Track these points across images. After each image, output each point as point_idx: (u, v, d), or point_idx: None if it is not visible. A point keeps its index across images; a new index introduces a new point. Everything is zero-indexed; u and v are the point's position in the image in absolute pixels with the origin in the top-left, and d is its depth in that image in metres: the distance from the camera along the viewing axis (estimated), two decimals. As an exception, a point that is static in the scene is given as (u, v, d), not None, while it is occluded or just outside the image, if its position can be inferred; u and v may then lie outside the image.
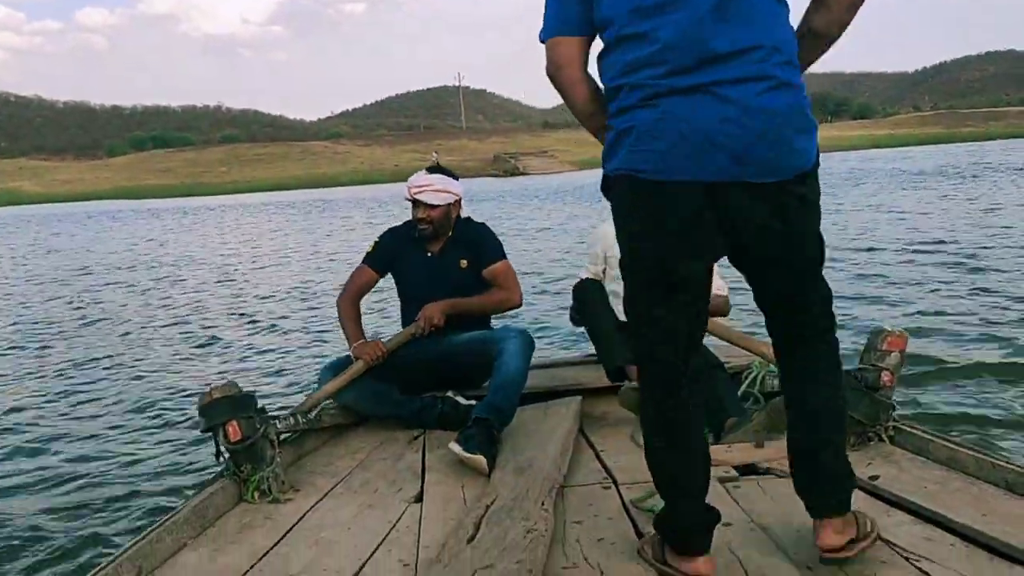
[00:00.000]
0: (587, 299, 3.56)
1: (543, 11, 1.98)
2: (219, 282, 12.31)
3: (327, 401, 3.39)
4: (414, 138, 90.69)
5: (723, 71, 1.73)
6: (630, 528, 2.34)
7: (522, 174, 57.54)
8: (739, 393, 3.26)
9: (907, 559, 1.99)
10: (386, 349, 3.42)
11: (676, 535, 1.99)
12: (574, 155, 70.27)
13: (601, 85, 1.94)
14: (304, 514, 2.70)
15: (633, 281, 1.95)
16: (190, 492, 2.86)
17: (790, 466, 2.04)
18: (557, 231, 16.25)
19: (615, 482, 2.72)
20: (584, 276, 3.73)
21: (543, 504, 2.40)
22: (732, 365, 3.45)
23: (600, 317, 3.51)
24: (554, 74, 1.97)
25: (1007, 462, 2.44)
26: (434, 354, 3.49)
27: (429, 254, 3.66)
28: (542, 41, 1.97)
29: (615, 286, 3.65)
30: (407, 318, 3.63)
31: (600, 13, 1.86)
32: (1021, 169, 25.44)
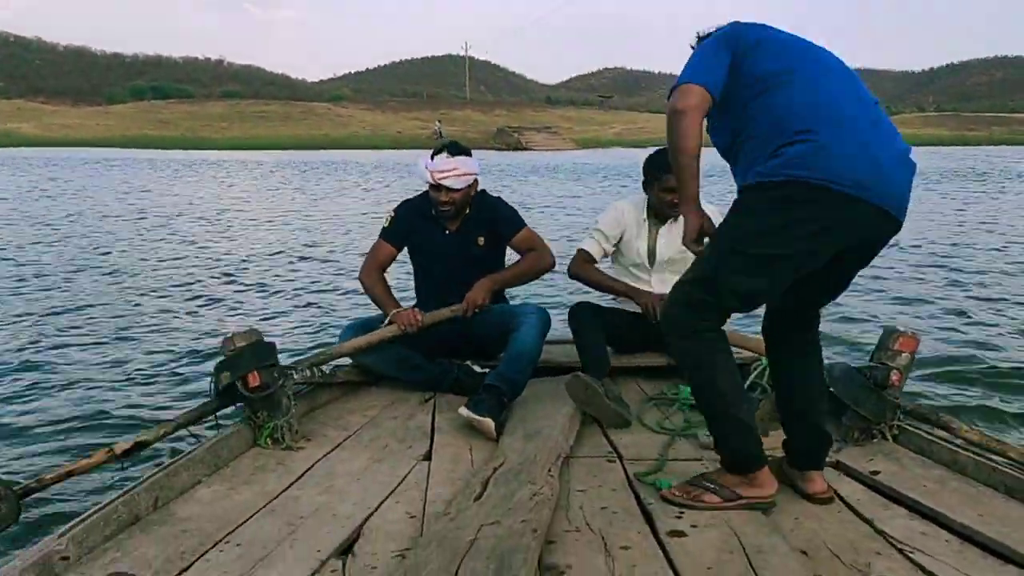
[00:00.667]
0: (581, 322, 3.50)
1: (693, 59, 2.26)
2: (222, 236, 12.31)
3: (342, 358, 3.46)
4: (417, 105, 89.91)
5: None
6: (633, 500, 2.42)
7: (525, 149, 57.21)
8: (747, 384, 3.34)
9: (901, 551, 2.07)
10: (422, 321, 3.44)
11: (755, 459, 2.31)
12: (576, 133, 70.00)
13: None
14: (315, 463, 2.79)
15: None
16: (204, 438, 2.95)
17: (783, 426, 2.43)
18: (570, 208, 16.28)
19: (620, 457, 2.80)
20: (583, 246, 3.76)
21: (549, 470, 2.49)
22: (740, 358, 3.52)
23: (593, 338, 3.44)
24: (682, 112, 2.16)
25: (1007, 467, 2.50)
26: (455, 325, 3.55)
27: (447, 232, 3.67)
28: (681, 83, 2.19)
29: (619, 257, 3.77)
30: (423, 292, 3.70)
31: None
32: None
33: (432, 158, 3.60)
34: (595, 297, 3.83)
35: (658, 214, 3.70)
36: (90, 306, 7.17)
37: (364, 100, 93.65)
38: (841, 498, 2.41)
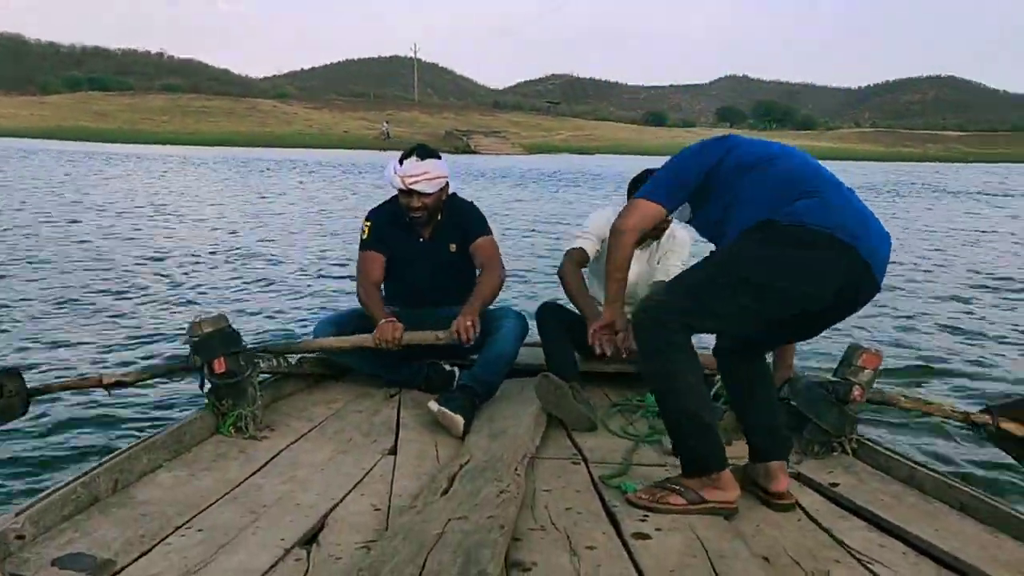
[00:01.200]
0: (547, 324, 3.50)
1: (660, 174, 2.60)
2: (168, 231, 12.10)
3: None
4: (364, 105, 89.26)
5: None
6: (598, 502, 2.43)
7: (473, 152, 57.15)
8: (712, 393, 3.38)
9: (859, 560, 2.12)
10: (402, 340, 3.25)
11: (716, 460, 2.37)
12: (524, 138, 70.17)
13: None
14: (278, 452, 2.78)
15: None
16: (165, 424, 2.96)
17: (746, 434, 2.54)
18: (516, 214, 16.35)
19: (585, 459, 2.82)
20: (575, 245, 3.67)
21: (516, 469, 2.49)
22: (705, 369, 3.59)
23: (558, 341, 3.46)
24: (629, 229, 2.59)
25: (962, 485, 2.57)
26: (432, 325, 3.46)
27: (421, 239, 3.60)
28: (639, 197, 2.59)
29: (596, 266, 3.74)
30: (394, 296, 3.60)
31: None
32: (958, 192, 26.51)
33: (401, 162, 3.47)
34: (564, 299, 3.81)
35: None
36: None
37: (310, 98, 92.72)
38: (801, 508, 2.45)
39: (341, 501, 2.39)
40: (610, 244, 2.58)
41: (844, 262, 2.26)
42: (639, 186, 3.56)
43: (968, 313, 7.62)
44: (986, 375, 5.46)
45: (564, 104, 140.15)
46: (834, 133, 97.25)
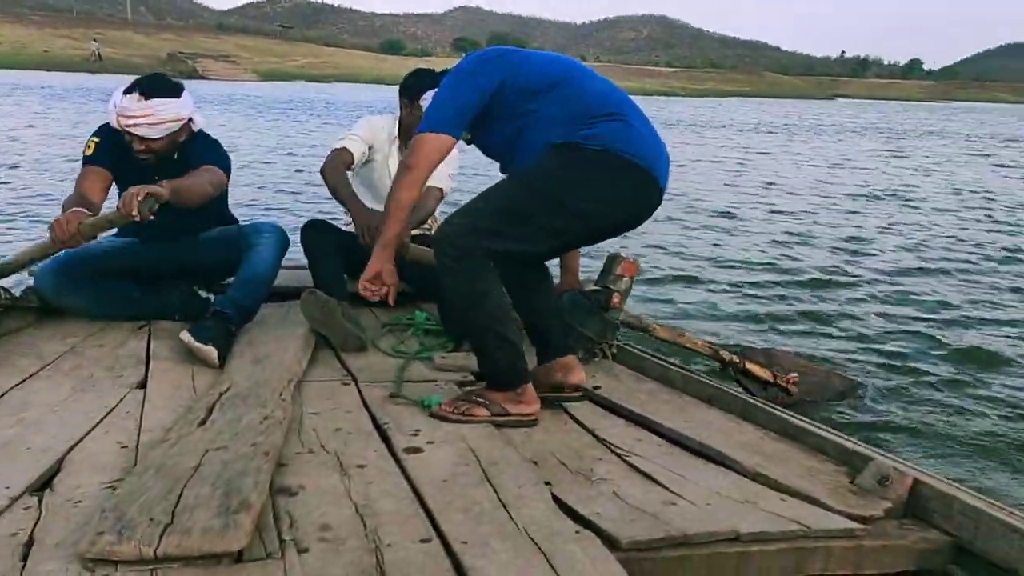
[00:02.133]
0: (314, 241, 3.35)
1: (438, 99, 2.40)
2: None
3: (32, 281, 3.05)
4: (68, 22, 79.75)
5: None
6: (368, 421, 2.39)
7: (201, 77, 53.23)
8: None
9: (619, 455, 2.25)
10: (81, 230, 2.74)
11: (520, 373, 2.40)
12: (257, 64, 66.59)
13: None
14: (3, 393, 2.46)
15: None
16: None
17: (539, 335, 2.60)
18: (249, 143, 15.48)
19: (355, 379, 2.75)
20: (341, 146, 3.49)
21: (281, 394, 2.39)
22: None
23: (325, 257, 3.34)
24: (417, 166, 2.37)
25: (708, 380, 2.83)
26: (178, 252, 3.23)
27: (156, 178, 3.03)
28: (422, 131, 2.36)
29: (366, 172, 3.62)
30: (127, 228, 3.18)
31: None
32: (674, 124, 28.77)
33: (123, 95, 2.95)
34: (329, 218, 3.65)
35: (409, 137, 3.56)
36: None
37: (1, 12, 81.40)
38: (567, 412, 2.56)
39: (80, 441, 2.14)
40: (397, 181, 2.41)
41: (646, 188, 2.39)
42: (411, 87, 3.47)
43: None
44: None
45: (296, 29, 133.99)
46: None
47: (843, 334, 5.02)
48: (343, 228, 3.58)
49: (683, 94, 75.52)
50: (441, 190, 3.57)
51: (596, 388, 2.77)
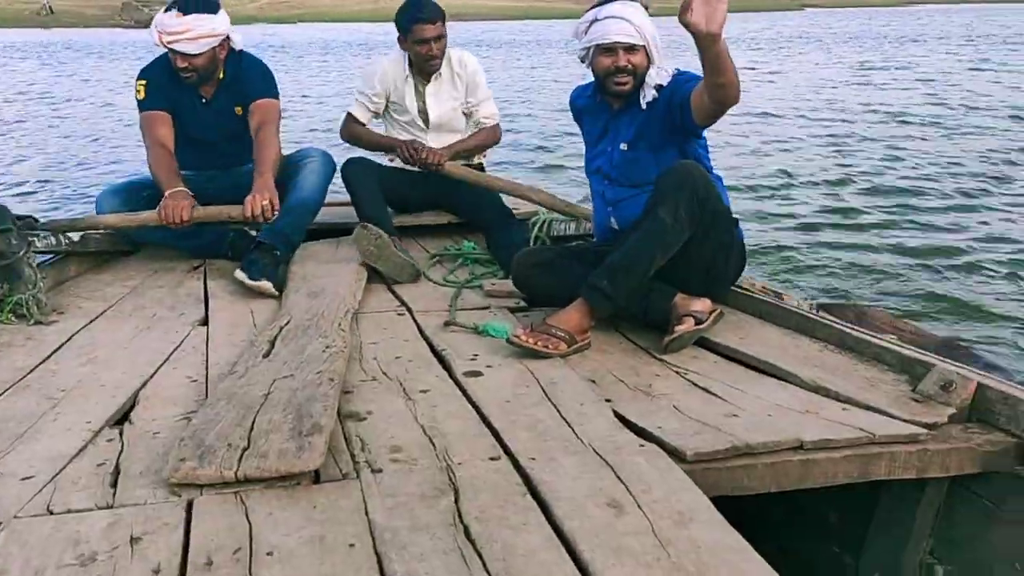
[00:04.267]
0: (356, 177, 3.41)
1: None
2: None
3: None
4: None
5: None
6: (427, 348, 2.43)
7: (160, 25, 51.92)
8: (532, 237, 3.41)
9: (676, 372, 2.27)
10: (191, 218, 2.94)
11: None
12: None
13: None
14: (72, 336, 2.53)
15: None
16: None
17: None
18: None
19: (409, 310, 2.79)
20: (351, 111, 3.61)
21: (339, 324, 2.43)
22: (520, 213, 3.62)
23: (370, 193, 3.40)
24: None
25: (760, 294, 2.80)
26: (228, 184, 3.26)
27: (203, 100, 3.27)
28: None
29: (396, 116, 3.64)
30: (183, 160, 3.22)
31: None
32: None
33: (163, 13, 3.09)
34: (370, 156, 3.66)
35: (420, 70, 3.55)
36: None
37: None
38: (621, 332, 2.57)
39: (152, 377, 2.22)
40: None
41: None
42: (404, 18, 3.44)
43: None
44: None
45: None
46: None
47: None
48: (384, 164, 3.63)
49: (653, 12, 72.92)
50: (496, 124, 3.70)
51: None
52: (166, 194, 2.95)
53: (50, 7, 55.19)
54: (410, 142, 3.39)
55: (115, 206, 3.13)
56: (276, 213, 2.94)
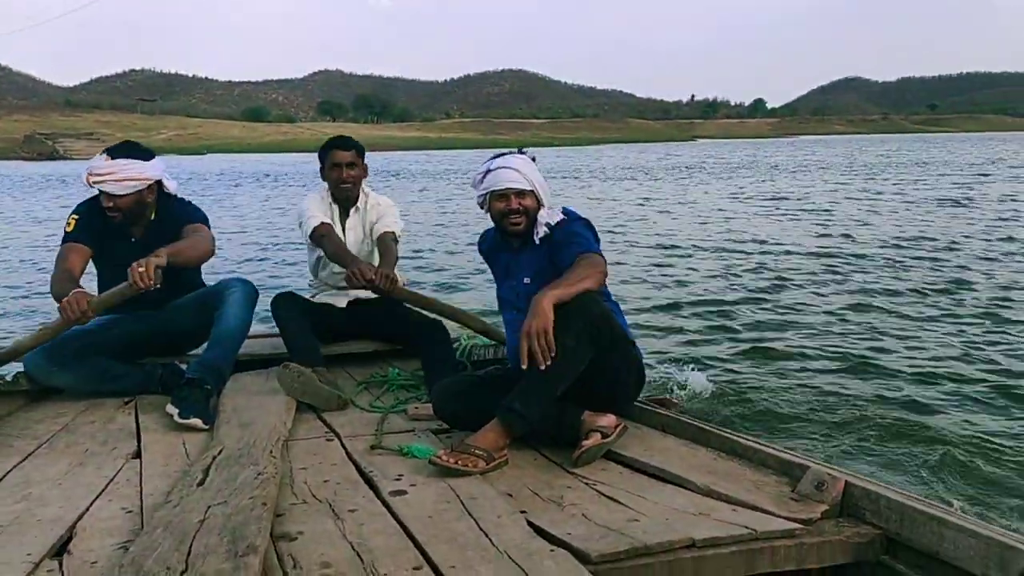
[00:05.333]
0: (286, 312, 3.55)
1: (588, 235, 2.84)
2: None
3: (19, 366, 3.14)
4: (-98, 112, 74.92)
5: None
6: (354, 471, 2.56)
7: (63, 158, 50.90)
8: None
9: (587, 483, 2.45)
10: (91, 307, 2.99)
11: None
12: (120, 140, 64.07)
13: None
14: (5, 474, 2.55)
15: None
16: None
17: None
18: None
19: (338, 435, 2.91)
20: (316, 223, 3.67)
21: (271, 452, 2.53)
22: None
23: (299, 329, 3.52)
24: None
25: (662, 410, 3.04)
26: (155, 323, 3.34)
27: (133, 239, 3.38)
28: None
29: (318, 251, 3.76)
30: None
31: None
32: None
33: (99, 156, 3.33)
34: (294, 288, 3.77)
35: (336, 198, 3.76)
36: None
37: None
38: (540, 451, 2.75)
39: (88, 510, 2.26)
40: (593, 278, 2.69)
41: None
42: (324, 148, 3.71)
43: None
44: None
45: (156, 102, 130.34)
46: (436, 124, 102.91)
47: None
48: (313, 300, 3.78)
49: (556, 144, 77.59)
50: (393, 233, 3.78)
51: None
52: (62, 300, 2.99)
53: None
54: (359, 266, 3.38)
55: (43, 364, 3.17)
56: (156, 280, 2.94)
